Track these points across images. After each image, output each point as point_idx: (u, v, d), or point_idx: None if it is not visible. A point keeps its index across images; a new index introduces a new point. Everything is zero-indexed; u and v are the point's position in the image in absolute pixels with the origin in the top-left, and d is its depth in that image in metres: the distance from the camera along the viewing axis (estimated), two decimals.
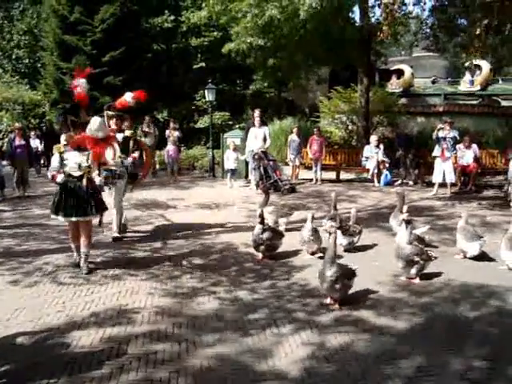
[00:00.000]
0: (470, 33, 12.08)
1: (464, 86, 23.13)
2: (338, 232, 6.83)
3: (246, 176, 15.01)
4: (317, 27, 15.05)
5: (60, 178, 6.43)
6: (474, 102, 21.74)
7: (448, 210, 10.60)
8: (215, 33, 22.24)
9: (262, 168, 13.26)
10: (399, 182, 14.49)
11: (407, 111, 20.43)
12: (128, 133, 8.28)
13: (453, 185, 12.85)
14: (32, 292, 5.75)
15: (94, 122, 6.69)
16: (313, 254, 7.13)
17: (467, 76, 22.94)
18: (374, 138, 15.15)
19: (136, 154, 8.23)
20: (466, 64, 18.37)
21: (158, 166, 17.28)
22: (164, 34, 23.44)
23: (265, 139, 13.55)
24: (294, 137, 15.05)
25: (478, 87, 22.63)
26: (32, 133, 17.58)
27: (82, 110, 7.13)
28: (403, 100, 22.30)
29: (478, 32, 10.77)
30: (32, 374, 3.92)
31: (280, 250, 7.26)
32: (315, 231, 7.02)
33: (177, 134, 15.99)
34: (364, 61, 17.26)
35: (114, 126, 8.00)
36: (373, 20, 16.51)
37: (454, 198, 12.12)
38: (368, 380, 3.86)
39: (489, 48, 13.79)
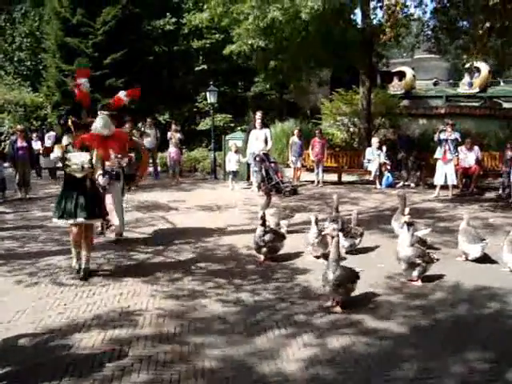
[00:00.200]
0: (471, 35, 12.08)
1: (463, 88, 23.15)
2: (340, 234, 6.81)
3: (248, 178, 15.00)
4: (318, 29, 15.07)
5: (56, 152, 6.33)
6: (476, 104, 21.74)
7: (450, 212, 10.59)
8: (217, 35, 22.28)
9: (263, 170, 13.26)
10: (401, 184, 14.48)
11: (409, 113, 20.45)
12: None
13: (454, 187, 12.84)
14: (33, 294, 5.74)
15: (100, 119, 6.62)
16: (317, 257, 7.11)
17: (466, 78, 22.97)
18: (375, 140, 15.15)
19: (132, 154, 8.19)
20: (466, 66, 18.42)
21: (159, 168, 17.28)
22: (166, 36, 23.48)
23: (266, 141, 13.54)
24: (295, 139, 15.05)
25: (477, 89, 22.65)
26: (34, 135, 17.57)
27: (83, 111, 7.08)
28: (405, 102, 22.34)
29: (480, 34, 10.77)
30: (33, 376, 3.91)
31: (282, 252, 7.26)
32: (321, 235, 6.98)
33: (178, 136, 16.00)
34: (366, 63, 17.27)
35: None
36: (374, 22, 16.51)
37: (455, 200, 12.11)
38: (370, 382, 3.85)
39: (491, 50, 13.78)
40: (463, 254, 7.06)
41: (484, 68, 22.20)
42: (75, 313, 5.18)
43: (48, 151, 6.46)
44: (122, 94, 7.20)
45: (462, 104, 21.80)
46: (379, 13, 16.38)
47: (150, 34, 23.28)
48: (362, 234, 7.57)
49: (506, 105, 21.82)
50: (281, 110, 23.25)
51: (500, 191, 12.87)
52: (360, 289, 5.59)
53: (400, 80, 24.04)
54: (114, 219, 8.06)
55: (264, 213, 7.40)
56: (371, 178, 14.62)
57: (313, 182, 14.95)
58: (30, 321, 4.95)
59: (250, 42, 15.42)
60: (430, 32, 17.31)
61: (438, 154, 12.58)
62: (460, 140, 12.67)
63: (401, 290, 5.93)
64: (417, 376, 3.93)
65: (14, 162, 12.88)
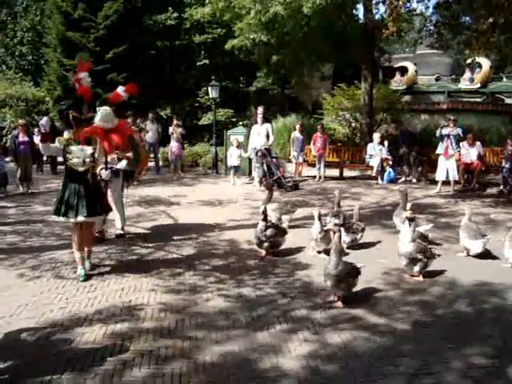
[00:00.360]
0: (474, 30, 12.05)
1: (464, 83, 23.11)
2: (341, 229, 6.81)
3: (250, 173, 15.00)
4: (320, 24, 15.02)
5: (57, 143, 6.27)
6: (478, 100, 21.70)
7: (451, 208, 10.58)
8: (218, 30, 22.25)
9: (265, 165, 13.26)
10: (402, 179, 14.46)
11: (411, 108, 20.42)
12: None
13: (456, 182, 12.82)
14: (35, 288, 5.76)
15: (103, 112, 6.56)
16: (319, 252, 7.11)
17: (467, 73, 22.93)
18: (376, 136, 15.12)
19: (129, 154, 8.07)
20: (468, 61, 18.38)
21: (161, 163, 17.29)
22: (167, 30, 23.43)
23: (267, 136, 13.53)
24: (297, 134, 15.03)
25: (478, 85, 22.60)
26: (36, 129, 17.57)
27: (84, 105, 7.04)
28: (407, 97, 22.33)
29: (483, 29, 10.74)
30: (35, 370, 3.93)
31: (283, 246, 7.26)
32: (324, 231, 6.95)
33: (180, 130, 15.99)
34: (368, 58, 17.22)
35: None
36: (377, 17, 16.48)
37: (457, 196, 12.10)
38: (370, 378, 3.85)
39: (493, 46, 13.74)
40: (464, 250, 7.05)
41: (485, 63, 22.16)
42: (77, 307, 5.20)
43: (45, 138, 6.29)
44: (120, 90, 7.15)
45: (464, 99, 21.77)
46: (381, 7, 16.38)
47: (152, 28, 23.24)
48: (363, 230, 7.57)
49: (508, 100, 21.80)
50: (282, 105, 23.23)
51: (501, 187, 12.87)
52: (361, 284, 5.59)
53: (402, 75, 24.02)
54: (114, 214, 8.04)
55: (265, 208, 7.40)
56: (373, 174, 14.59)
57: (314, 177, 14.94)
58: (31, 315, 4.96)
59: (251, 37, 15.38)
60: (432, 27, 17.27)
61: (440, 149, 12.56)
62: (462, 135, 12.65)
63: (402, 285, 5.94)
64: (417, 371, 3.94)
65: (15, 157, 12.88)
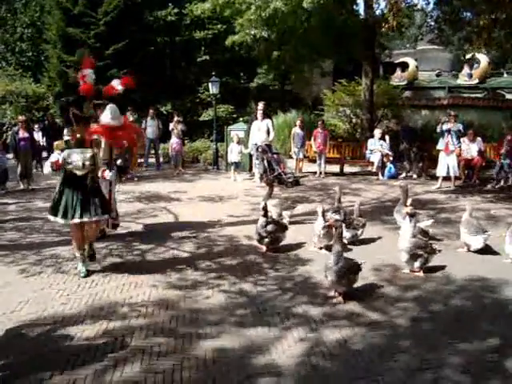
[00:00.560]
0: (475, 26, 12.03)
1: (462, 79, 23.07)
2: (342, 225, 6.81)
3: (250, 169, 15.00)
4: (321, 19, 14.99)
5: (54, 156, 5.93)
6: (479, 96, 21.65)
7: (452, 204, 10.58)
8: (219, 25, 22.16)
9: (265, 161, 13.25)
10: (403, 175, 14.45)
11: (411, 104, 20.38)
12: None
13: (457, 178, 12.82)
14: (36, 284, 5.76)
15: (110, 109, 6.45)
16: (320, 248, 7.11)
17: (465, 69, 22.88)
18: (377, 131, 15.09)
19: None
20: (467, 57, 18.33)
21: (161, 159, 17.30)
22: (167, 26, 23.36)
23: (268, 132, 13.52)
24: (297, 130, 15.03)
25: (476, 80, 22.56)
26: (36, 126, 17.55)
27: (86, 102, 6.97)
28: (407, 93, 22.27)
29: (484, 25, 10.72)
30: (36, 366, 3.93)
31: (284, 242, 7.26)
32: (327, 226, 6.92)
33: (180, 126, 15.96)
34: (368, 54, 17.19)
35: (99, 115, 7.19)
36: (377, 12, 16.44)
37: (457, 192, 12.09)
38: (370, 373, 3.86)
39: (494, 41, 13.72)
40: (465, 246, 7.06)
41: (483, 59, 22.12)
42: (78, 303, 5.20)
43: (58, 166, 6.04)
44: (116, 83, 7.05)
45: (465, 95, 21.72)
46: (382, 2, 16.35)
47: (152, 24, 23.17)
48: (364, 225, 7.57)
49: (508, 96, 21.71)
50: (283, 101, 23.17)
51: (502, 182, 12.87)
52: (361, 280, 5.60)
53: (403, 71, 23.93)
54: None
55: (266, 203, 7.40)
56: (373, 169, 14.59)
57: (315, 173, 14.93)
58: (32, 311, 4.97)
59: (252, 33, 15.34)
60: (433, 23, 17.23)
61: (441, 145, 12.55)
62: (463, 131, 12.64)
63: (402, 281, 5.94)
64: (417, 366, 3.95)
65: (16, 153, 12.88)
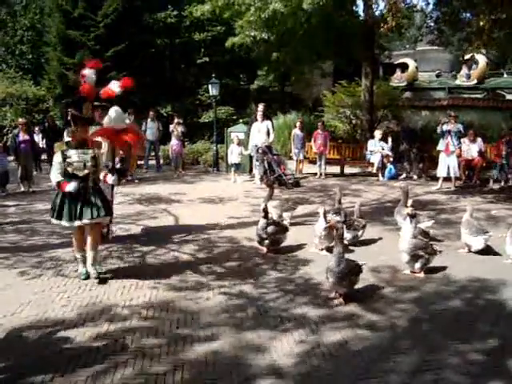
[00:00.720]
0: (475, 26, 12.03)
1: (460, 79, 23.09)
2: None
3: (250, 170, 15.01)
4: (320, 21, 15.00)
5: (72, 186, 5.66)
6: (479, 96, 21.67)
7: (452, 204, 10.58)
8: (218, 27, 22.23)
9: (265, 162, 13.25)
10: (403, 176, 14.44)
11: (411, 105, 20.40)
12: None
13: (457, 179, 12.81)
14: (37, 286, 5.75)
15: (114, 112, 6.34)
16: (321, 249, 7.11)
17: (464, 70, 22.90)
18: (378, 132, 15.09)
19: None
20: (466, 57, 18.32)
21: (162, 161, 17.31)
22: (167, 28, 23.42)
23: (268, 133, 13.52)
24: (297, 131, 15.05)
25: (475, 81, 22.57)
26: (36, 128, 17.58)
27: (86, 104, 6.91)
28: (407, 94, 22.30)
29: (483, 25, 10.72)
30: (37, 368, 3.93)
31: (284, 244, 7.26)
32: (327, 228, 6.90)
33: (181, 128, 15.97)
34: (368, 55, 17.21)
35: (97, 119, 7.12)
36: (377, 13, 16.45)
37: (458, 192, 12.08)
38: (371, 374, 3.85)
39: (494, 42, 13.72)
40: (466, 246, 7.05)
41: (482, 60, 22.14)
42: (78, 305, 5.19)
43: (62, 187, 5.82)
44: (114, 86, 6.97)
45: (465, 96, 21.73)
46: (381, 3, 16.36)
47: (152, 26, 23.24)
48: (364, 226, 7.56)
49: (508, 96, 21.73)
50: (283, 103, 23.21)
51: (502, 183, 12.87)
52: (362, 281, 5.60)
53: (402, 72, 23.96)
54: None
55: (266, 205, 7.40)
56: (374, 170, 14.59)
57: (315, 174, 14.93)
58: (33, 313, 4.97)
59: (252, 34, 15.36)
60: (432, 24, 17.24)
61: (441, 145, 12.55)
62: (463, 132, 12.63)
63: (403, 282, 5.93)
64: (417, 368, 3.94)
65: (16, 156, 12.89)
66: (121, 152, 7.62)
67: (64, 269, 6.38)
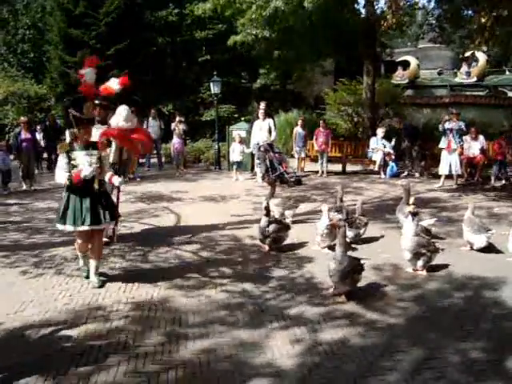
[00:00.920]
0: (476, 23, 12.00)
1: (460, 77, 23.04)
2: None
3: (252, 169, 15.01)
4: (321, 18, 14.99)
5: (88, 170, 5.45)
6: (481, 94, 21.63)
7: (454, 202, 10.56)
8: (220, 25, 22.21)
9: (267, 160, 13.23)
10: (405, 173, 14.43)
11: (413, 103, 20.37)
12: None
13: (459, 176, 12.80)
14: (39, 285, 5.76)
15: (121, 111, 6.25)
16: (323, 247, 7.10)
17: (464, 67, 22.85)
18: (380, 130, 15.07)
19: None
20: (466, 55, 18.28)
21: (163, 159, 17.32)
22: (168, 26, 23.41)
23: (270, 131, 13.51)
24: (299, 129, 15.05)
25: (475, 78, 22.53)
26: (38, 127, 17.58)
27: (86, 103, 6.86)
28: (409, 91, 22.26)
29: (484, 22, 10.68)
30: (40, 367, 3.93)
31: (286, 242, 7.25)
32: (329, 225, 6.85)
33: (182, 126, 15.96)
34: (369, 52, 17.19)
35: (97, 117, 6.88)
36: (378, 11, 16.42)
37: (460, 190, 12.07)
38: (372, 372, 3.85)
39: (495, 39, 13.68)
40: (468, 244, 7.04)
41: (482, 57, 22.09)
42: (81, 303, 5.20)
43: (76, 180, 5.62)
44: (114, 83, 6.90)
45: (467, 93, 21.69)
46: (382, 0, 16.32)
47: (153, 24, 23.23)
48: (366, 224, 7.55)
49: (511, 94, 21.69)
50: (284, 101, 23.20)
51: (503, 181, 12.85)
52: (365, 279, 5.59)
53: (404, 69, 23.91)
54: None
55: (268, 203, 7.39)
56: (375, 168, 14.58)
57: (317, 172, 14.93)
58: (35, 312, 4.97)
59: (254, 32, 15.36)
60: (434, 21, 17.20)
61: (443, 143, 12.53)
62: (465, 129, 12.61)
63: (405, 280, 5.93)
64: (419, 366, 3.94)
65: (18, 154, 12.90)
66: (128, 153, 7.51)
67: (66, 267, 6.38)
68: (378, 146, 14.53)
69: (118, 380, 3.77)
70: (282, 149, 16.20)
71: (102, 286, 5.73)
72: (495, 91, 22.16)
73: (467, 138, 13.05)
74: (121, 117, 6.23)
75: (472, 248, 6.98)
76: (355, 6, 18.03)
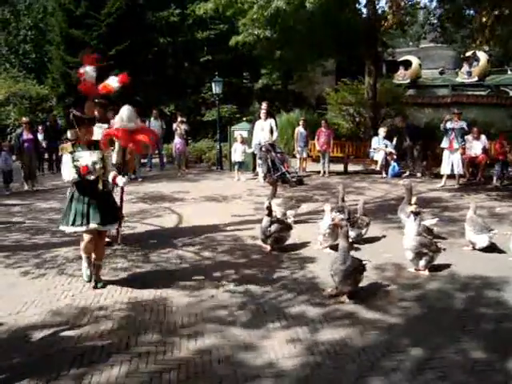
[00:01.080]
0: (478, 23, 11.98)
1: (461, 77, 23.02)
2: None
3: (254, 169, 15.00)
4: (323, 18, 14.99)
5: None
6: (483, 93, 21.61)
7: (456, 202, 10.55)
8: (221, 25, 22.22)
9: (269, 160, 13.24)
10: (407, 173, 14.42)
11: (415, 102, 20.34)
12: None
13: (461, 176, 12.78)
14: (41, 285, 5.77)
15: (125, 111, 6.24)
16: (325, 247, 7.09)
17: (465, 67, 22.83)
18: (382, 130, 15.06)
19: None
20: (467, 54, 18.25)
21: (165, 159, 17.33)
22: (170, 27, 23.43)
23: (271, 131, 13.51)
24: (300, 129, 15.05)
25: (476, 78, 22.50)
26: (40, 127, 17.59)
27: (87, 103, 6.83)
28: (411, 91, 22.24)
29: (486, 21, 10.67)
30: (41, 367, 3.94)
31: (288, 242, 7.25)
32: (332, 225, 6.83)
33: (184, 127, 15.98)
34: (371, 52, 17.18)
35: (96, 115, 6.79)
36: (380, 11, 16.42)
37: (462, 190, 12.05)
38: (374, 372, 3.84)
39: (497, 39, 13.66)
40: (470, 244, 7.03)
41: (483, 57, 22.07)
42: (83, 304, 5.20)
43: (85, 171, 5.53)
44: (113, 81, 6.86)
45: (469, 93, 21.67)
46: (383, 0, 16.33)
47: (154, 25, 23.25)
48: (368, 224, 7.55)
49: None
50: (286, 101, 23.20)
51: (505, 181, 12.83)
52: (366, 279, 5.59)
53: (406, 69, 23.92)
54: None
55: (270, 203, 7.38)
56: (377, 168, 14.57)
57: (319, 172, 14.92)
58: (37, 312, 4.98)
59: (255, 32, 15.38)
60: (435, 21, 17.19)
61: (445, 143, 12.51)
62: (467, 129, 12.58)
63: (407, 279, 5.92)
64: (422, 365, 3.93)
65: (20, 155, 12.91)
66: (132, 153, 7.44)
67: (68, 267, 6.39)
68: (380, 146, 14.53)
69: (120, 380, 3.77)
70: (284, 149, 16.20)
71: (103, 286, 5.73)
72: (497, 91, 22.14)
73: (469, 137, 13.03)
74: (124, 117, 6.21)
75: (474, 248, 6.96)
76: (356, 5, 18.04)
